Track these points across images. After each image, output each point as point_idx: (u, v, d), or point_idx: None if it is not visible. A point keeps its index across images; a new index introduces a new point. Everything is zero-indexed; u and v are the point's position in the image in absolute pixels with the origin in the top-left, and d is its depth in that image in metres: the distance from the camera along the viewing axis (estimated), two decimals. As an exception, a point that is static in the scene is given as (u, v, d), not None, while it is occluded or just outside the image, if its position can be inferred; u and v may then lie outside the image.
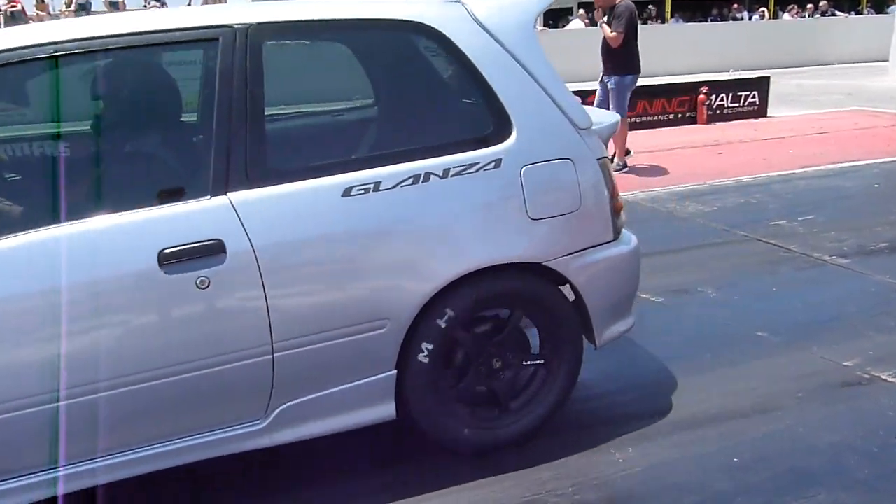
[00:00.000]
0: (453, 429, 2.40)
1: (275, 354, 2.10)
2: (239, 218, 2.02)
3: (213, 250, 1.99)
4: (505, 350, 2.43)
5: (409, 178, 2.18)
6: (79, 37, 1.93)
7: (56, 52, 1.90)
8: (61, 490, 1.96)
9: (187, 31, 2.08)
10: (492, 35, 2.35)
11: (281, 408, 2.18)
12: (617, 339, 2.65)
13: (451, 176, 2.23)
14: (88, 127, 2.24)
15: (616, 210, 2.52)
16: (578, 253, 2.43)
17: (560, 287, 2.47)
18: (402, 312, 2.20)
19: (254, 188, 2.06)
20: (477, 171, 2.26)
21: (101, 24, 1.99)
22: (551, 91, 2.40)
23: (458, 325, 2.33)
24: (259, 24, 2.13)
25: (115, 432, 1.97)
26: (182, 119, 2.23)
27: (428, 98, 2.41)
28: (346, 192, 2.12)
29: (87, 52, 1.95)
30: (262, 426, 2.17)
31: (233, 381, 2.09)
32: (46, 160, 2.46)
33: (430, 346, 2.29)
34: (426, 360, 2.29)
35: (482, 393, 2.46)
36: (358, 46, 2.45)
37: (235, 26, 2.10)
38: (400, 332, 2.22)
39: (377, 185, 2.15)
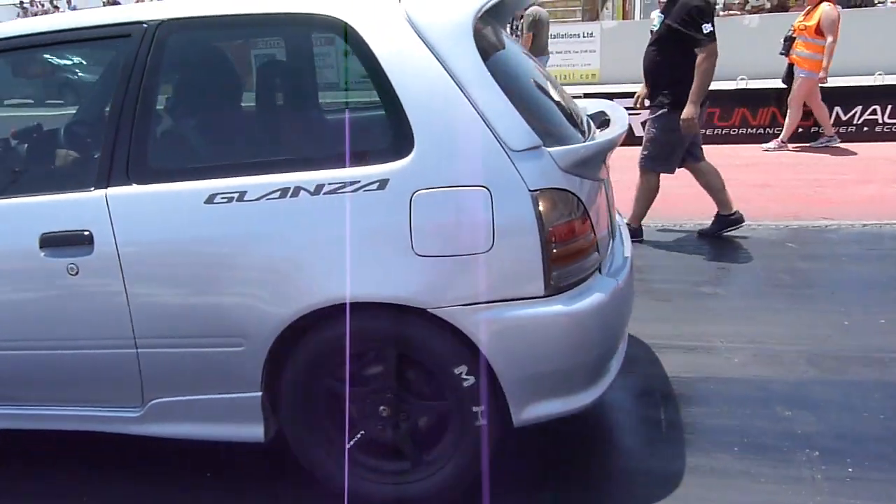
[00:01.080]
0: (340, 476, 2.16)
1: (138, 349, 2.13)
2: (109, 212, 2.07)
3: (82, 240, 2.08)
4: (393, 398, 2.10)
5: (277, 191, 1.98)
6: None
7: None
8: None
9: (106, 28, 2.17)
10: (420, 35, 1.98)
11: (153, 401, 2.21)
12: (551, 419, 2.09)
13: (324, 193, 1.96)
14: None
15: (556, 258, 1.95)
16: (484, 305, 1.95)
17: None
18: (258, 334, 2.04)
19: (130, 185, 2.08)
20: (355, 190, 1.95)
21: (27, 24, 2.19)
22: (481, 103, 1.94)
23: (330, 361, 2.07)
24: (169, 20, 2.11)
25: None
26: (94, 113, 2.35)
27: (317, 103, 2.14)
28: (210, 199, 2.01)
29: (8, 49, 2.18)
30: (138, 415, 2.23)
31: (103, 366, 2.18)
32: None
33: (300, 378, 2.09)
34: (297, 393, 2.11)
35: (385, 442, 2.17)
36: (257, 43, 2.28)
37: (148, 23, 2.12)
38: (259, 355, 2.06)
39: (241, 195, 1.99)
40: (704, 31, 4.02)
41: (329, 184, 1.96)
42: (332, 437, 2.16)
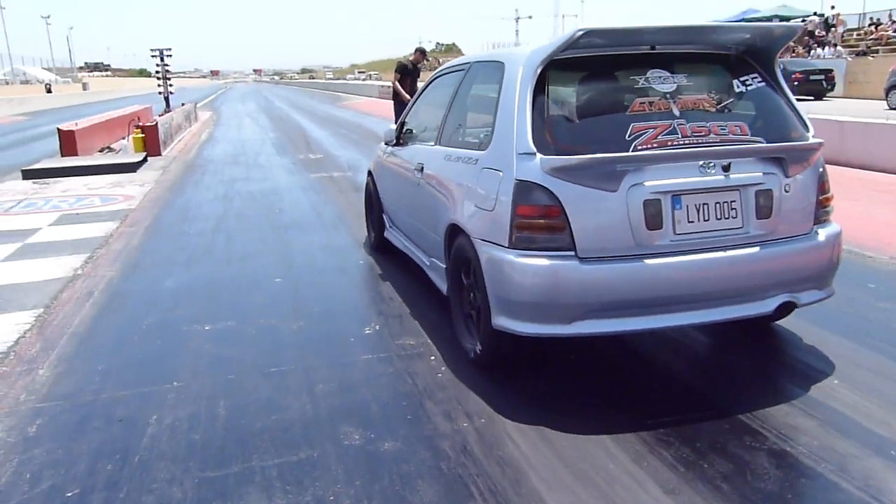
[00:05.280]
0: (464, 331, 3.74)
1: (428, 230, 4.21)
2: (429, 156, 4.17)
3: (421, 167, 4.26)
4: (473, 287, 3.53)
5: (456, 158, 3.70)
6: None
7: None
8: None
9: (458, 66, 4.17)
10: (522, 71, 3.27)
11: (431, 259, 4.25)
12: (509, 332, 3.13)
13: (462, 162, 3.59)
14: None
15: (519, 226, 3.04)
16: (484, 241, 3.22)
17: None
18: (442, 229, 3.78)
19: (440, 145, 4.11)
20: (468, 163, 3.50)
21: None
22: (517, 121, 3.15)
23: (459, 260, 3.63)
24: (475, 62, 3.99)
25: None
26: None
27: (477, 111, 3.57)
28: (447, 158, 3.87)
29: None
30: (429, 263, 4.32)
31: (422, 233, 4.35)
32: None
33: (450, 265, 3.76)
34: (449, 272, 3.79)
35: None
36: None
37: (470, 63, 4.04)
38: (441, 242, 3.83)
39: (450, 157, 3.79)
40: None
41: (466, 156, 3.55)
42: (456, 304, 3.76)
